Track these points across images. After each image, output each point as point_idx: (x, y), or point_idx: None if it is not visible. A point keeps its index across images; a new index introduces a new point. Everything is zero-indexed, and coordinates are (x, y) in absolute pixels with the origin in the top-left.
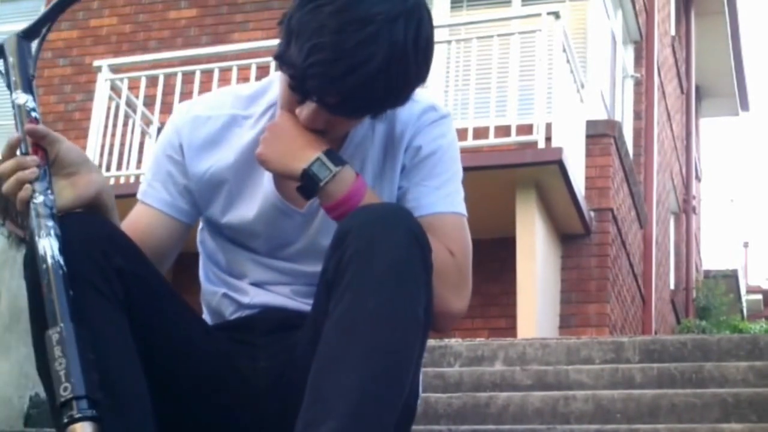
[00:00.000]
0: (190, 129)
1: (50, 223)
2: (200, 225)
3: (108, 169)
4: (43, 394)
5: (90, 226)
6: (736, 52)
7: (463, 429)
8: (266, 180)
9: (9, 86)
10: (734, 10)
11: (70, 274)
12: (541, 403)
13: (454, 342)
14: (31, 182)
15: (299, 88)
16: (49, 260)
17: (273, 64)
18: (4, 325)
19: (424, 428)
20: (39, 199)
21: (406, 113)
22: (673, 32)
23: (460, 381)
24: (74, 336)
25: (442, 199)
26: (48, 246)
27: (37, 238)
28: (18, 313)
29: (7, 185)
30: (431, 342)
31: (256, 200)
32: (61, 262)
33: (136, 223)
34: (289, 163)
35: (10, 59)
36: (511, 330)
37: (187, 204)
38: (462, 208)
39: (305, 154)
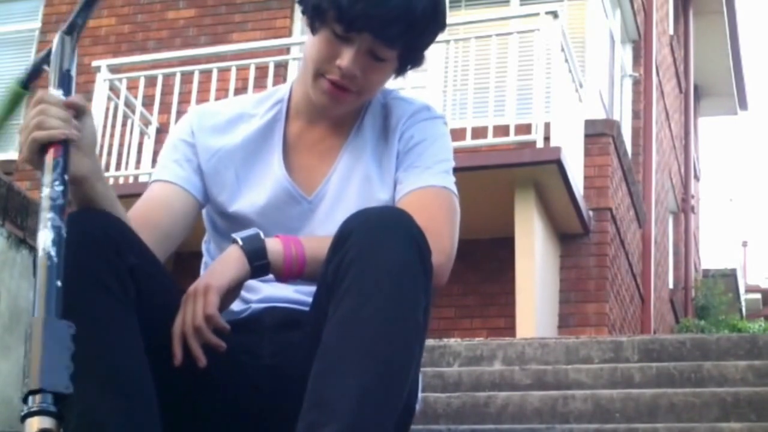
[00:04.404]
0: (200, 118)
1: (49, 215)
2: (205, 237)
3: (107, 169)
4: None
5: (104, 222)
6: (734, 51)
7: (462, 429)
8: (276, 166)
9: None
10: (733, 9)
11: (82, 273)
12: (540, 403)
13: (453, 342)
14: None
15: (346, 17)
16: (40, 252)
17: (272, 65)
18: (4, 326)
19: (423, 428)
20: (45, 192)
21: (401, 110)
22: (671, 31)
23: (459, 381)
24: (49, 328)
25: (429, 177)
26: (42, 238)
27: (39, 229)
28: (18, 314)
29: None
30: (430, 342)
31: (266, 185)
32: (52, 253)
33: (149, 199)
34: (228, 271)
35: (52, 57)
36: (510, 330)
37: (200, 181)
38: (447, 183)
39: (231, 258)
